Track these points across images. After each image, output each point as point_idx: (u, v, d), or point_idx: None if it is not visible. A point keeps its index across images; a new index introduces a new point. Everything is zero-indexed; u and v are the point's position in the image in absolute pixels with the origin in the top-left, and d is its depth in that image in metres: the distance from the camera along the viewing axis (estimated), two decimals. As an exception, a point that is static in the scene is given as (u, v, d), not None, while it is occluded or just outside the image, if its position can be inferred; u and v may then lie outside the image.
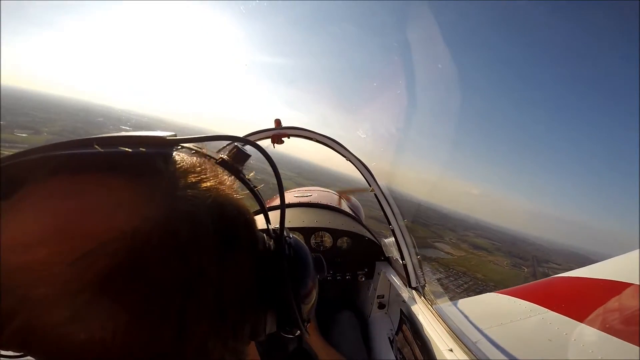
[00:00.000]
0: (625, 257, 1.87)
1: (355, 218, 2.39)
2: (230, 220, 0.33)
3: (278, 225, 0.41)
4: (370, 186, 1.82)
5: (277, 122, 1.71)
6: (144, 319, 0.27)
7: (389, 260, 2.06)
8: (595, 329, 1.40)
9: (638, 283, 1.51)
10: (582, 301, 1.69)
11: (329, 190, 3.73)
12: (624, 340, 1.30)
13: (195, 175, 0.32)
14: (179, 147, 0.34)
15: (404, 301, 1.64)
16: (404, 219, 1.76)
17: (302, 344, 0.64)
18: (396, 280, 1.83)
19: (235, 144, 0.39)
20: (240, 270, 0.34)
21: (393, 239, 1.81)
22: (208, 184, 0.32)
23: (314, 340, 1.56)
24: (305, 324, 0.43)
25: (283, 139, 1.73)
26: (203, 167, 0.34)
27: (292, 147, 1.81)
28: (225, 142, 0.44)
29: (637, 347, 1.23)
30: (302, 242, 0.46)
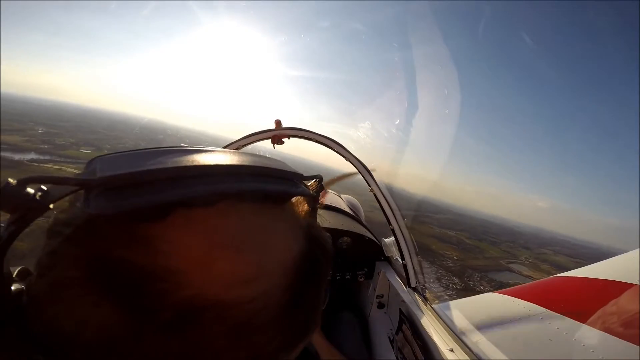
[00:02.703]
0: (625, 257, 1.87)
1: (355, 218, 2.39)
2: (328, 246, 0.39)
3: None
4: (370, 186, 1.82)
5: (277, 122, 1.71)
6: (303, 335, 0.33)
7: (388, 260, 2.06)
8: (596, 329, 1.40)
9: (638, 283, 1.51)
10: (582, 301, 1.69)
11: (328, 190, 3.73)
12: (624, 340, 1.30)
13: (309, 209, 0.39)
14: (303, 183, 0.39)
15: (403, 301, 1.64)
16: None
17: None
18: (396, 280, 1.83)
19: (316, 179, 0.47)
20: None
21: (393, 238, 1.81)
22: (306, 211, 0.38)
23: (316, 340, 1.56)
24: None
25: (283, 139, 1.73)
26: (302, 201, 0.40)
27: (292, 147, 1.81)
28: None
29: (638, 347, 1.23)
30: None
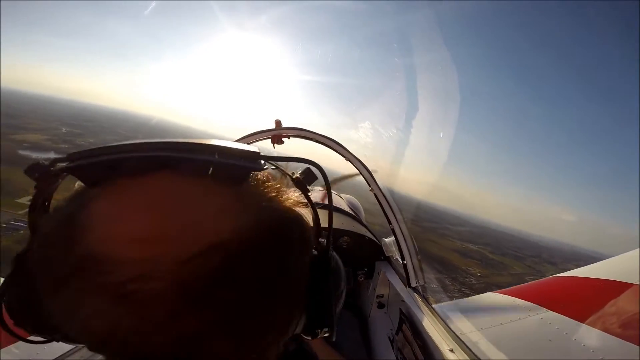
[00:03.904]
0: (625, 257, 1.87)
1: (355, 217, 2.39)
2: (299, 232, 0.37)
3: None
4: (370, 186, 1.82)
5: (277, 122, 1.71)
6: (234, 323, 0.29)
7: (388, 260, 2.06)
8: (596, 329, 1.40)
9: (638, 283, 1.51)
10: (582, 301, 1.69)
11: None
12: (624, 340, 1.30)
13: (276, 190, 0.36)
14: (269, 163, 0.38)
15: (403, 301, 1.64)
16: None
17: (302, 344, 0.64)
18: (396, 280, 1.83)
19: (308, 166, 0.44)
20: (299, 277, 0.37)
21: (393, 238, 1.81)
22: (284, 198, 0.37)
23: (314, 340, 1.55)
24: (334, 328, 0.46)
25: (283, 139, 1.73)
26: (282, 182, 0.39)
27: (293, 147, 1.81)
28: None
29: (637, 347, 1.23)
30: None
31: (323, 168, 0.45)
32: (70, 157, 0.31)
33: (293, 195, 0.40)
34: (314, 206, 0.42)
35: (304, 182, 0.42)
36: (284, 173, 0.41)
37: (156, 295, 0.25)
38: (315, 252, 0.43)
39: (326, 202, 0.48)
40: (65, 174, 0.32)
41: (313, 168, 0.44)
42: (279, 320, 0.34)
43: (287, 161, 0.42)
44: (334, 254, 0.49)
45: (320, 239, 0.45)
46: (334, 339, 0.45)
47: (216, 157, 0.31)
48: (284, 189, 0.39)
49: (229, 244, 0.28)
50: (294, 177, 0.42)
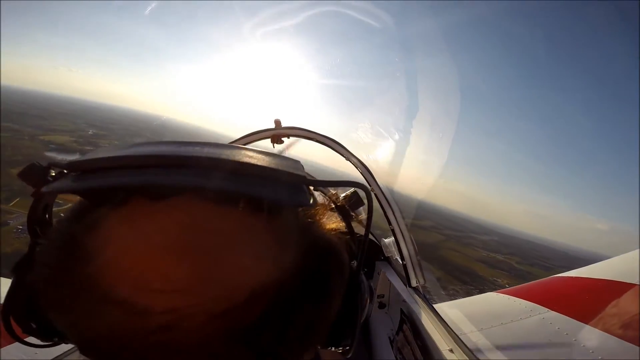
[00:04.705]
0: (625, 257, 1.87)
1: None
2: (342, 265, 0.34)
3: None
4: (370, 185, 1.81)
5: (277, 122, 1.71)
6: None
7: (388, 260, 2.06)
8: (596, 329, 1.40)
9: (638, 283, 1.51)
10: (582, 301, 1.69)
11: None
12: (625, 340, 1.29)
13: (322, 217, 0.32)
14: (313, 188, 0.32)
15: (404, 301, 1.64)
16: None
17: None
18: (396, 280, 1.83)
19: (355, 189, 0.39)
20: (334, 306, 0.34)
21: (393, 238, 1.81)
22: (331, 226, 0.33)
23: None
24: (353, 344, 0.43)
25: (283, 138, 1.73)
26: (327, 209, 0.34)
27: (294, 148, 1.81)
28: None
29: (637, 347, 1.23)
30: None
31: (370, 192, 0.40)
32: (69, 167, 0.26)
33: (335, 221, 0.35)
34: (354, 237, 0.39)
35: (348, 209, 0.38)
36: (328, 198, 0.37)
37: (183, 348, 0.23)
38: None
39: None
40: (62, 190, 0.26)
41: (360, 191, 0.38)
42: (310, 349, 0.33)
43: (336, 186, 0.35)
44: (363, 277, 0.46)
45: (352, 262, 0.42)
46: (350, 355, 0.42)
47: (258, 182, 0.25)
48: (334, 216, 0.35)
49: (269, 292, 0.24)
50: (338, 202, 0.38)
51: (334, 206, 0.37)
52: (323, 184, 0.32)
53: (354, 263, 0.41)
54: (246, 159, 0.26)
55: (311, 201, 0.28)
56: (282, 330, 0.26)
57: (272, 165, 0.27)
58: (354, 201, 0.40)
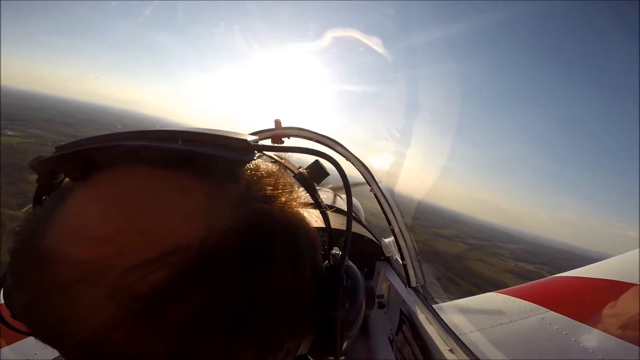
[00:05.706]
0: (625, 256, 1.87)
1: (355, 218, 2.39)
2: (298, 241, 0.31)
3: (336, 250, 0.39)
4: (370, 186, 1.82)
5: (277, 122, 1.71)
6: (194, 341, 0.24)
7: (388, 260, 2.06)
8: (596, 329, 1.40)
9: (638, 283, 1.51)
10: (582, 301, 1.69)
11: (327, 189, 3.72)
12: (624, 340, 1.29)
13: (272, 187, 0.30)
14: (261, 154, 0.31)
15: (403, 301, 1.64)
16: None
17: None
18: (396, 280, 1.83)
19: (317, 159, 0.36)
20: (298, 292, 0.31)
21: (393, 238, 1.81)
22: (283, 198, 0.30)
23: None
24: (341, 357, 0.38)
25: (283, 139, 1.73)
26: (280, 179, 0.31)
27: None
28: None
29: (637, 347, 1.23)
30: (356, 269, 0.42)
31: (336, 162, 0.36)
32: (57, 149, 0.29)
33: (302, 195, 0.33)
34: (322, 209, 0.35)
35: (310, 178, 0.35)
36: (283, 166, 0.34)
37: (94, 303, 0.22)
38: (328, 263, 0.37)
39: (337, 205, 0.39)
40: (49, 168, 0.30)
41: (324, 161, 0.36)
42: (244, 355, 0.28)
43: (289, 152, 0.34)
44: (353, 266, 0.42)
45: (333, 250, 0.38)
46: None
47: (190, 145, 0.26)
48: (290, 187, 0.31)
49: (186, 252, 0.23)
50: (296, 171, 0.35)
51: (293, 176, 0.34)
52: (274, 149, 0.32)
53: (337, 252, 0.38)
54: (194, 130, 0.28)
55: (250, 159, 0.28)
56: (188, 310, 0.23)
57: (215, 133, 0.28)
58: (314, 171, 0.36)
